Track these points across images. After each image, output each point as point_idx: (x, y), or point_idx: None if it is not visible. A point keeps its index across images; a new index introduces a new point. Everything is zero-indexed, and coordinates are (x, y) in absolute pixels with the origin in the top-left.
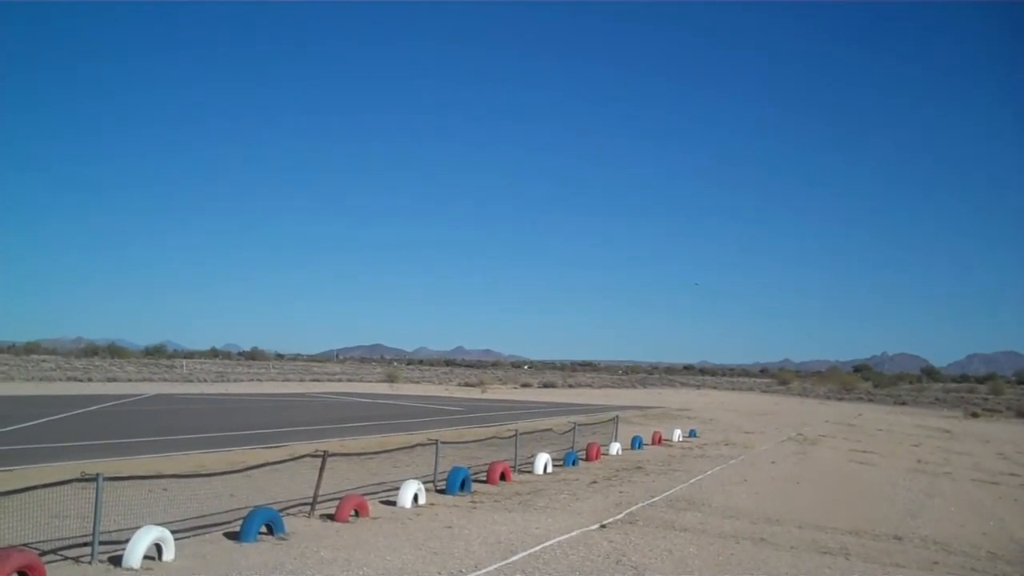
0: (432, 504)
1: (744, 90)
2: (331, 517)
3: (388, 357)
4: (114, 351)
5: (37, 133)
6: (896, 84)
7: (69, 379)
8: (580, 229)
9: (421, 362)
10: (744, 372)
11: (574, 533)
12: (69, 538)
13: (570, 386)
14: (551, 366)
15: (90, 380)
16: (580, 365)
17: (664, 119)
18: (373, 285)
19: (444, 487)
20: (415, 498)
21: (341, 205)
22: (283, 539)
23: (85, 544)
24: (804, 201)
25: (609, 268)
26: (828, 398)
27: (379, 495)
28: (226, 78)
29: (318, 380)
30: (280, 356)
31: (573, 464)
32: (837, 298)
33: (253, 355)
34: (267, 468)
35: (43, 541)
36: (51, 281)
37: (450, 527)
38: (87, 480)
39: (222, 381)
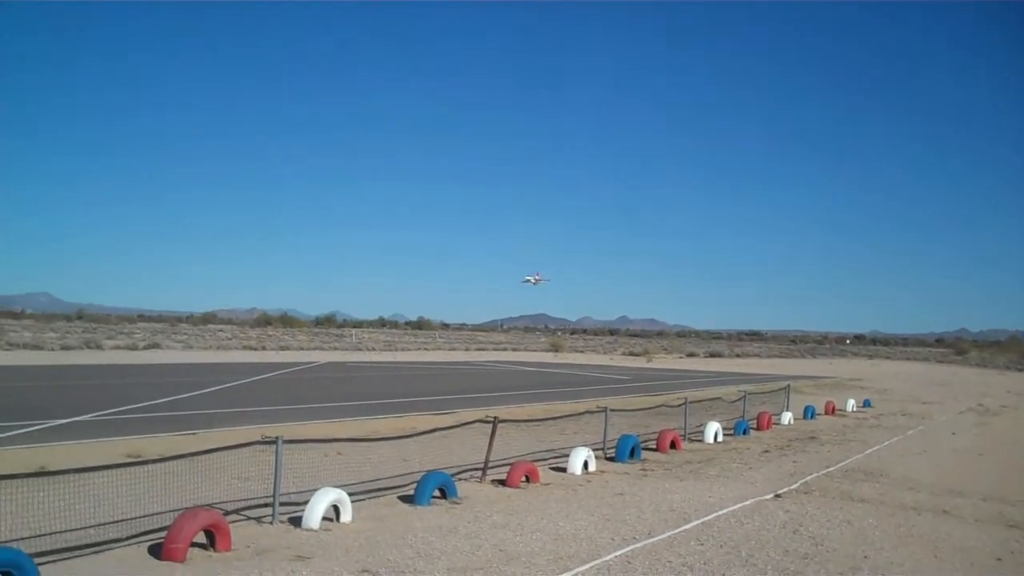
0: (602, 471)
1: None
2: (502, 482)
3: (552, 327)
4: (286, 321)
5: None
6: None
7: (244, 348)
8: (747, 197)
9: (585, 332)
10: (918, 342)
11: (748, 502)
12: (250, 499)
13: (737, 356)
14: (717, 336)
15: (264, 349)
16: (747, 335)
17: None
18: (539, 255)
19: (613, 455)
20: (585, 465)
21: (507, 178)
22: (456, 503)
23: (265, 505)
24: (978, 165)
25: (776, 236)
26: (1008, 369)
27: (548, 462)
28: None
29: (483, 349)
30: (446, 325)
31: (744, 433)
32: (1018, 262)
33: (420, 324)
34: (437, 434)
35: (226, 501)
36: (228, 254)
37: (621, 494)
38: (267, 443)
39: (390, 350)
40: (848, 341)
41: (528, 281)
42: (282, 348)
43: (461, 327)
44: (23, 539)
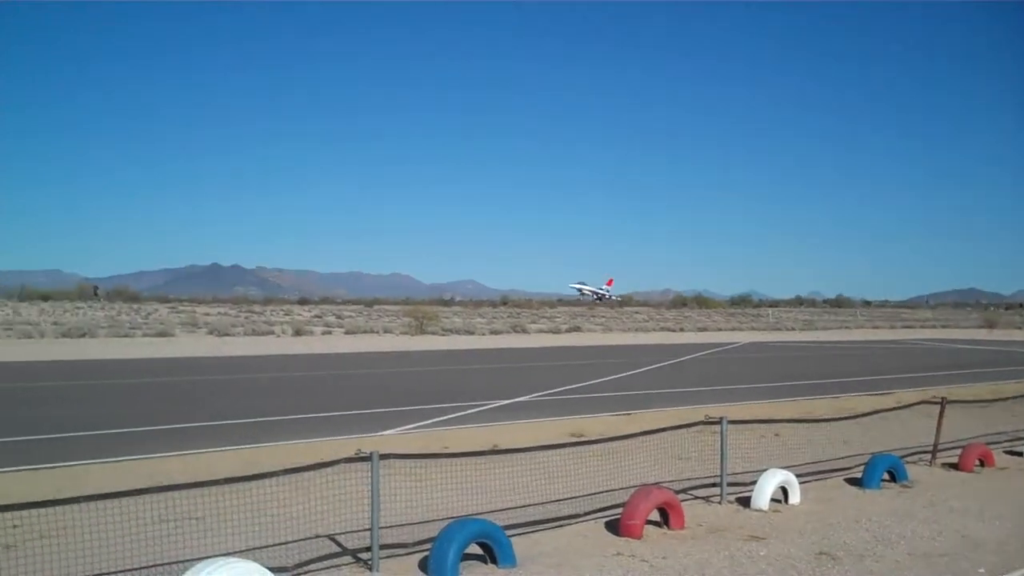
0: None
1: None
2: (953, 466)
3: (984, 302)
4: (701, 301)
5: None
6: None
7: (662, 329)
8: None
9: (1022, 305)
10: None
11: None
12: (694, 478)
13: None
14: None
15: (682, 330)
16: None
17: None
18: (961, 226)
19: None
20: None
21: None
22: (907, 487)
23: (711, 485)
24: None
25: None
26: None
27: (1001, 445)
28: None
29: (908, 327)
30: (867, 302)
31: None
32: None
33: (839, 302)
34: (877, 416)
35: (671, 481)
36: (638, 238)
37: None
38: (710, 423)
39: (809, 329)
40: None
41: (579, 290)
42: (699, 329)
43: (883, 304)
44: (492, 512)
